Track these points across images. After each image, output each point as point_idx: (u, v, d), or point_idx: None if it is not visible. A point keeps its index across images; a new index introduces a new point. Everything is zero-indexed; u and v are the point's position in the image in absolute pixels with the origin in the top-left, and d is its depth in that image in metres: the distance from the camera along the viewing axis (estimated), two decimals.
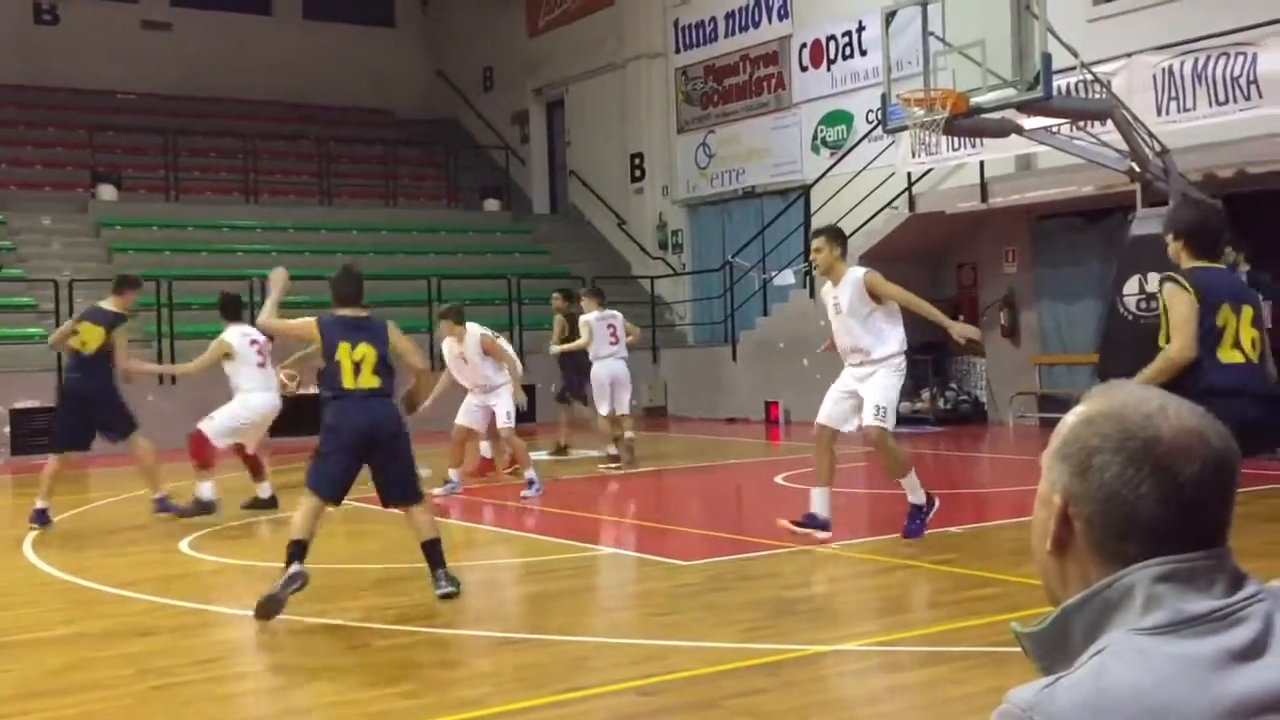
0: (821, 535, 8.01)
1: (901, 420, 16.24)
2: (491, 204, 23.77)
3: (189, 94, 24.34)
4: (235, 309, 10.55)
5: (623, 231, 22.71)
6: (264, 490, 10.41)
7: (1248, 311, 5.62)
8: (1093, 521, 1.36)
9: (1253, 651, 1.27)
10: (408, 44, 27.33)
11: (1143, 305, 12.02)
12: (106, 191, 20.58)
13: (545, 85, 24.48)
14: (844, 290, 7.98)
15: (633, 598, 7.21)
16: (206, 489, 9.88)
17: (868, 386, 7.97)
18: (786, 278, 18.41)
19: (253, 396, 10.24)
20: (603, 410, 12.69)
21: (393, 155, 23.71)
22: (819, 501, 8.09)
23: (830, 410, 8.07)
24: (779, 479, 11.68)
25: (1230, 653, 1.26)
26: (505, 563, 8.27)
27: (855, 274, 8.03)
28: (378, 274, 19.18)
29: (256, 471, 10.44)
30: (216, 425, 10.07)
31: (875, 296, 7.93)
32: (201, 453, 9.94)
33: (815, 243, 8.21)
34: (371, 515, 10.15)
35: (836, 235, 8.21)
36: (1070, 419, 1.41)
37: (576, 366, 13.31)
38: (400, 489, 6.75)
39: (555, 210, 24.94)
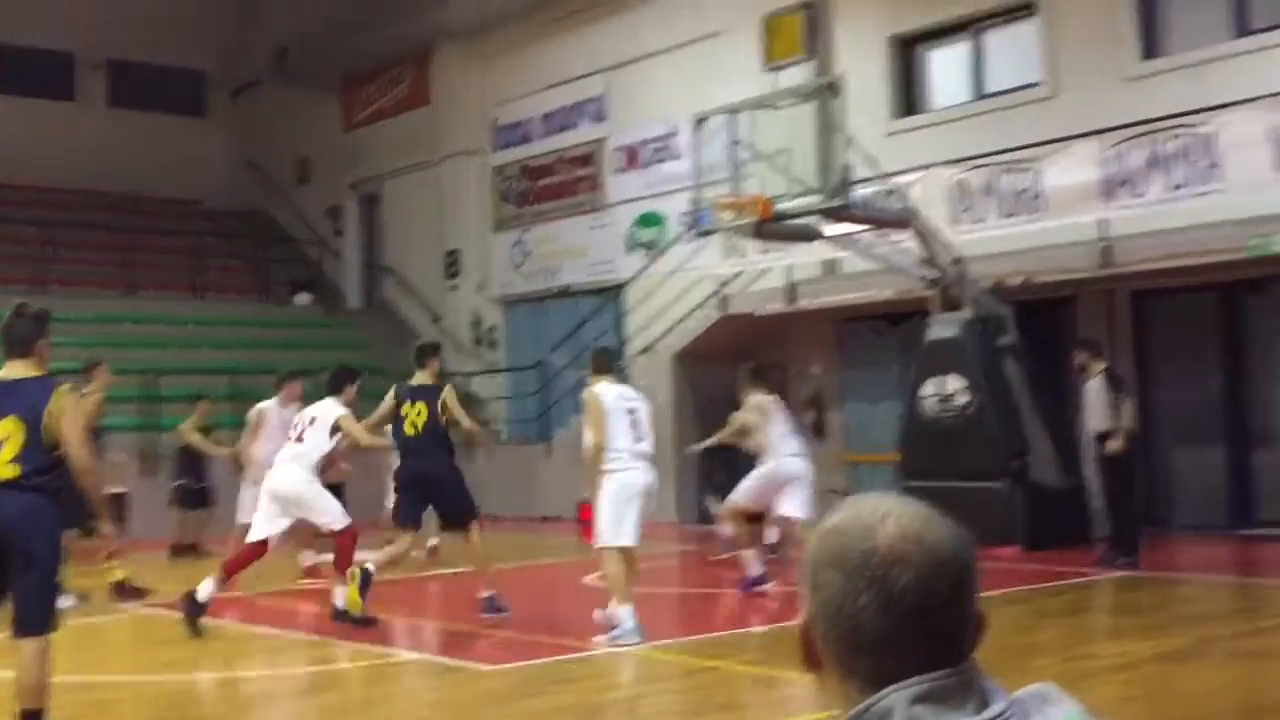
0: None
1: (712, 519, 16.44)
2: (303, 298, 23.33)
3: None
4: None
5: (438, 328, 22.55)
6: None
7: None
8: (828, 638, 1.36)
9: None
10: (218, 134, 26.81)
11: (938, 406, 12.47)
12: None
13: (361, 179, 24.30)
14: None
15: (430, 707, 6.99)
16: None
17: None
18: None
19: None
20: None
21: (200, 247, 23.09)
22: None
23: None
24: (588, 579, 11.58)
25: None
26: (289, 673, 7.92)
27: None
28: (183, 368, 18.65)
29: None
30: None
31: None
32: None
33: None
34: (165, 622, 9.68)
35: None
36: (814, 535, 1.42)
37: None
38: (20, 615, 5.28)
39: (369, 305, 24.63)
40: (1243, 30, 13.19)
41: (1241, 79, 12.19)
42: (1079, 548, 11.59)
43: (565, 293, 20.48)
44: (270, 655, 8.52)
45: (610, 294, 18.98)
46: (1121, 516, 10.84)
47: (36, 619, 5.23)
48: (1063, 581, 10.19)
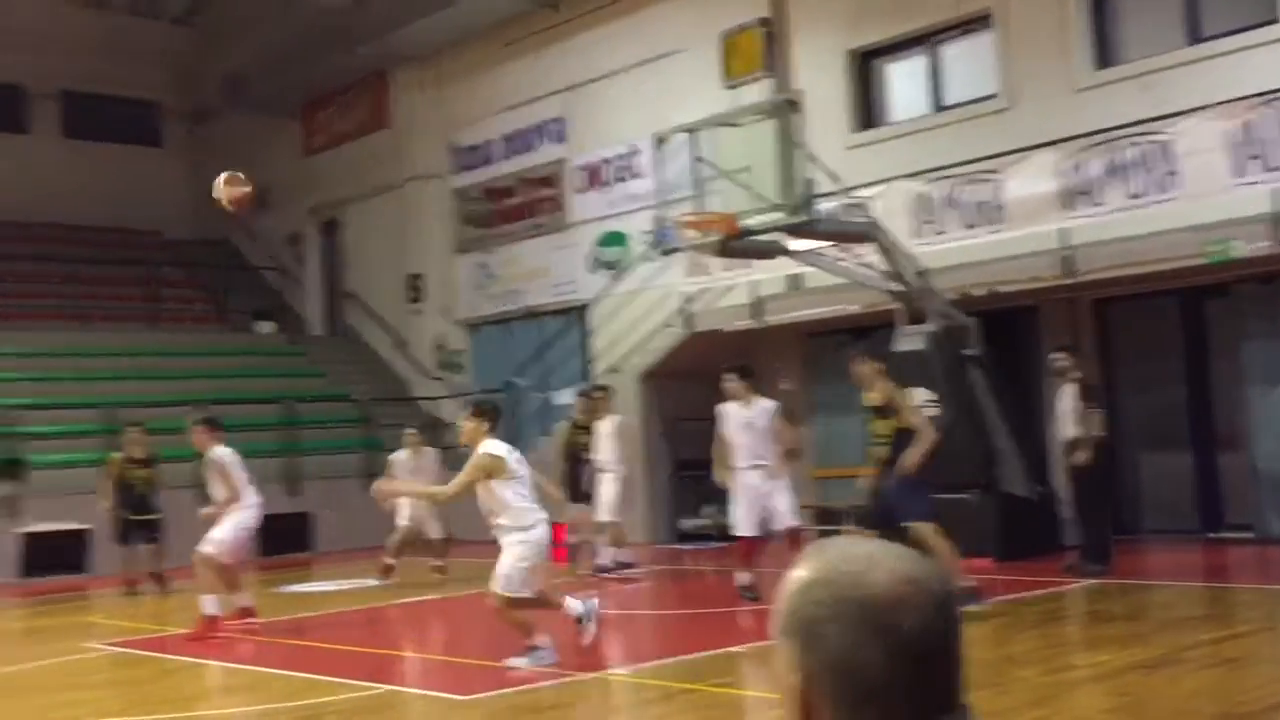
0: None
1: (686, 537, 16.45)
2: (264, 326, 23.13)
3: None
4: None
5: (401, 353, 22.41)
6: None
7: None
8: (835, 694, 1.31)
9: None
10: (175, 163, 26.56)
11: None
12: None
13: (321, 205, 24.14)
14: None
15: None
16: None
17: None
18: (566, 397, 18.42)
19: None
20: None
21: (157, 276, 22.85)
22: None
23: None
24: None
25: None
26: (269, 707, 7.80)
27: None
28: (140, 401, 18.38)
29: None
30: None
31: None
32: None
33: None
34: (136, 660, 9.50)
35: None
36: (786, 591, 1.37)
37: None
38: None
39: (332, 332, 24.44)
40: (1195, 37, 13.31)
41: (1196, 86, 12.29)
42: (1050, 557, 11.61)
43: (530, 314, 20.41)
44: (242, 693, 8.39)
45: (575, 314, 18.91)
46: (1092, 524, 10.85)
47: None
48: (1036, 592, 10.19)
